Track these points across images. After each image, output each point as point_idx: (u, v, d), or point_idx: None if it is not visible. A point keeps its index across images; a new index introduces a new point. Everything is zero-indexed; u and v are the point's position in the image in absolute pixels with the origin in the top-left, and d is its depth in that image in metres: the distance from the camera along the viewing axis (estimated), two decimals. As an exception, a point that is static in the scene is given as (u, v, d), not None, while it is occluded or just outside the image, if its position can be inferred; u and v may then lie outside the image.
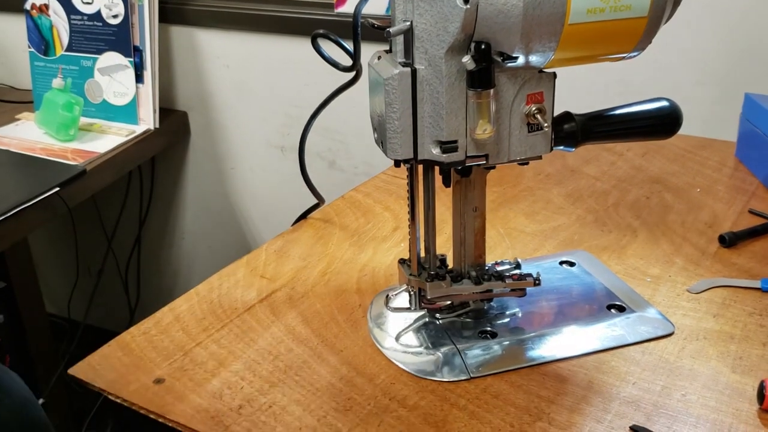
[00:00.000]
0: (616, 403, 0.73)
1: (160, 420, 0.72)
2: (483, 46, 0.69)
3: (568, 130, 0.79)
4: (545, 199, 1.14)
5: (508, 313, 0.87)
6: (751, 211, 1.08)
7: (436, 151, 0.74)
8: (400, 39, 0.73)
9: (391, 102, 0.73)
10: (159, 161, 2.17)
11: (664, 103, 0.82)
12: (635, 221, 1.06)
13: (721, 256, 0.97)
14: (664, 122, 0.82)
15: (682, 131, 1.33)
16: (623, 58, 0.76)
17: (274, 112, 1.96)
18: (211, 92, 2.02)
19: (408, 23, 0.71)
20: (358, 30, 0.89)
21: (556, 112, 0.80)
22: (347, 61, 0.91)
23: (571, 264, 0.96)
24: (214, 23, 1.93)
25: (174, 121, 2.06)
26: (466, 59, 0.70)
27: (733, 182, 1.17)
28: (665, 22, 0.75)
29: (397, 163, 0.78)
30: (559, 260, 0.97)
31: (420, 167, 0.80)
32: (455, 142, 0.74)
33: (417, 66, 0.72)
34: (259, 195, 2.09)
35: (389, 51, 0.77)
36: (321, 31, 0.93)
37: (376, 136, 0.79)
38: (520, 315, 0.86)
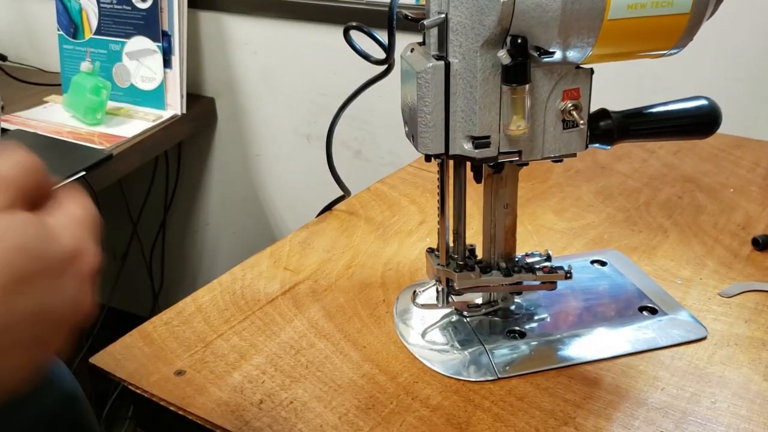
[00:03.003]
0: (644, 409, 0.71)
1: (180, 413, 0.71)
2: (519, 41, 0.68)
3: (604, 127, 0.77)
4: (575, 196, 1.12)
5: (537, 312, 0.85)
6: (786, 214, 1.05)
7: (468, 147, 0.72)
8: (434, 31, 0.72)
9: (423, 95, 0.71)
10: (185, 147, 2.17)
11: (703, 102, 0.80)
12: (666, 221, 1.04)
13: (754, 260, 0.95)
14: (702, 122, 0.80)
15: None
16: (663, 55, 0.74)
17: (302, 99, 1.95)
18: (238, 78, 2.01)
19: (443, 16, 0.70)
20: (393, 23, 0.87)
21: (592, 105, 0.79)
22: (379, 52, 0.89)
23: (603, 263, 0.94)
24: (242, 9, 1.92)
25: (201, 107, 2.06)
26: (502, 53, 0.68)
27: (767, 183, 1.14)
28: (708, 19, 0.73)
29: (427, 158, 0.76)
30: (591, 259, 0.95)
31: (451, 162, 0.79)
32: (488, 137, 0.72)
33: (451, 59, 0.70)
34: (284, 183, 2.08)
35: (422, 43, 0.75)
36: (354, 24, 0.92)
37: (406, 129, 0.77)
38: (549, 315, 0.85)
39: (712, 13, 0.73)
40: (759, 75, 1.36)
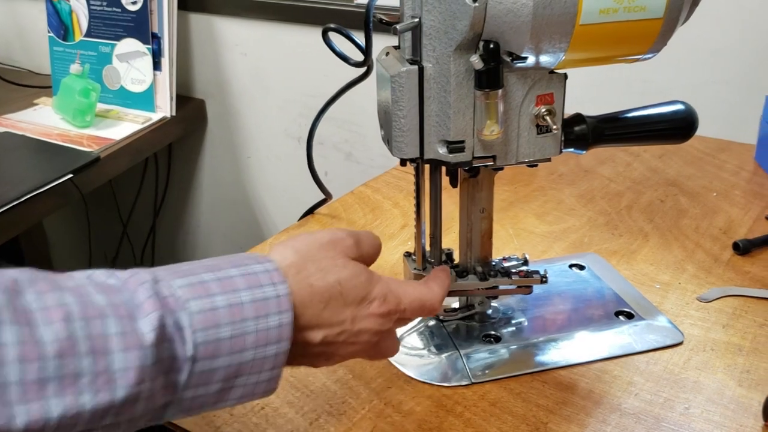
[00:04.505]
0: (617, 414, 0.71)
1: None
2: (492, 46, 0.68)
3: (578, 132, 0.77)
4: (557, 199, 1.12)
5: (513, 316, 0.85)
6: (768, 218, 1.05)
7: (442, 151, 0.72)
8: (408, 35, 0.72)
9: (397, 100, 0.71)
10: (176, 149, 2.17)
11: (680, 107, 0.80)
12: (647, 225, 1.04)
13: (734, 264, 0.95)
14: (678, 126, 0.80)
15: (700, 132, 1.30)
16: (638, 59, 0.74)
17: (292, 101, 1.95)
18: (228, 80, 2.01)
19: (416, 20, 0.69)
20: (370, 25, 0.87)
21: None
22: (362, 55, 0.89)
23: (581, 267, 0.94)
24: (232, 11, 1.92)
25: (191, 109, 2.06)
26: (474, 58, 0.68)
27: (751, 187, 1.14)
28: (682, 24, 0.73)
29: (403, 162, 0.76)
30: (569, 263, 0.95)
31: (427, 166, 0.79)
32: (462, 142, 0.72)
33: (424, 64, 0.70)
34: (275, 185, 2.08)
35: (398, 47, 0.75)
36: (332, 26, 0.91)
37: (382, 133, 0.77)
38: (525, 319, 0.85)
39: (688, 17, 0.73)
40: (746, 78, 1.36)
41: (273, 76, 1.95)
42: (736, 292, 0.89)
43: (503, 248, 0.99)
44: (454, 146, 0.72)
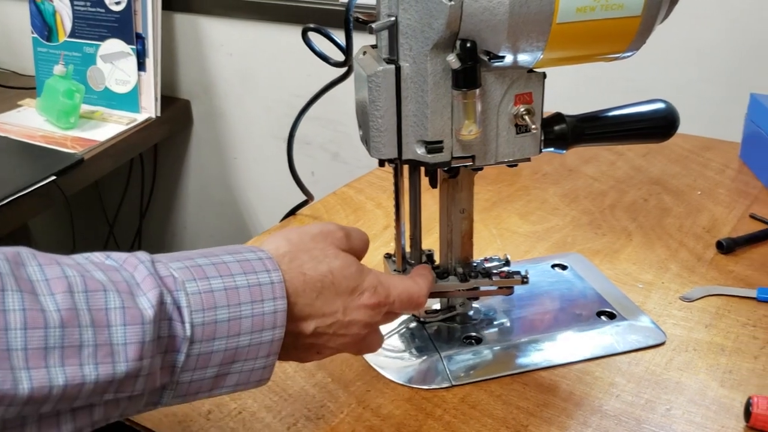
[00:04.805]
0: (597, 416, 0.70)
1: (127, 423, 0.70)
2: (469, 45, 0.67)
3: (558, 131, 0.76)
4: (541, 199, 1.11)
5: (495, 318, 0.84)
6: (752, 216, 1.05)
7: (420, 151, 0.72)
8: (384, 35, 0.71)
9: (374, 99, 0.70)
10: (161, 150, 2.16)
11: (660, 105, 0.79)
12: (631, 224, 1.03)
13: (717, 263, 0.94)
14: (659, 125, 0.79)
15: (686, 131, 1.30)
16: (617, 58, 0.73)
17: (278, 102, 1.94)
18: (214, 81, 2.00)
19: (392, 19, 0.69)
20: (350, 25, 0.87)
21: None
22: (343, 55, 0.88)
23: (564, 267, 0.93)
24: (217, 11, 1.91)
25: (176, 110, 2.04)
26: (451, 58, 0.67)
27: (735, 185, 1.14)
28: (661, 22, 0.72)
29: (381, 163, 0.75)
30: (552, 263, 0.94)
31: (406, 167, 0.78)
32: (440, 142, 0.71)
33: (401, 63, 0.69)
34: (261, 186, 2.07)
35: (375, 46, 0.74)
36: (312, 26, 0.91)
37: (361, 133, 0.77)
38: (507, 320, 0.84)
39: (666, 15, 0.72)
40: (731, 76, 1.35)
41: (259, 76, 1.93)
42: (719, 292, 0.88)
43: (486, 248, 0.99)
44: (433, 146, 0.71)
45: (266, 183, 2.06)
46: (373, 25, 0.69)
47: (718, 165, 1.21)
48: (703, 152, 1.25)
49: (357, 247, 0.67)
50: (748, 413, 0.69)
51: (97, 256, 0.53)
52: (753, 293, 0.87)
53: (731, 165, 1.21)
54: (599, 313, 0.84)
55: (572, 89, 1.46)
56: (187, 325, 0.52)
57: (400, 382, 0.76)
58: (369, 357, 0.79)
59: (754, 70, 1.33)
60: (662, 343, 0.80)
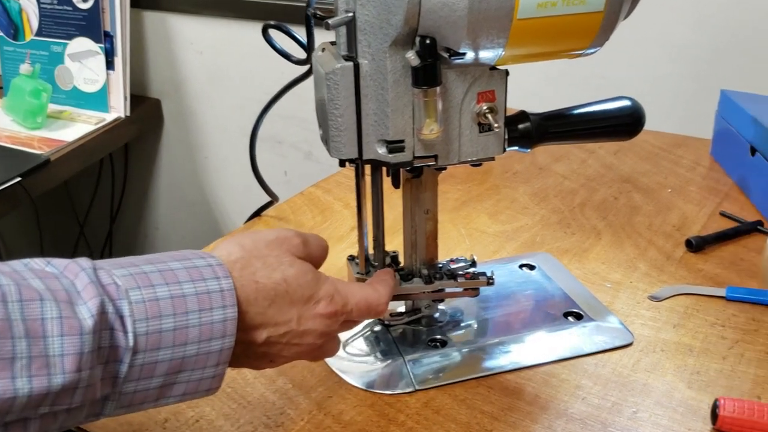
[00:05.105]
0: (563, 420, 0.69)
1: (78, 433, 0.68)
2: (428, 41, 0.65)
3: (522, 130, 0.75)
4: (510, 198, 1.10)
5: (461, 320, 0.83)
6: (722, 214, 1.04)
7: (382, 151, 0.70)
8: (343, 31, 0.69)
9: (333, 98, 0.69)
10: (132, 150, 2.13)
11: (626, 103, 0.78)
12: (600, 223, 1.02)
13: (687, 262, 0.93)
14: (624, 123, 0.77)
15: (658, 128, 1.30)
16: (581, 54, 0.72)
17: (250, 100, 1.91)
18: (184, 79, 1.97)
19: (350, 14, 0.67)
20: (311, 21, 0.85)
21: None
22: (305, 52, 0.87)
23: (532, 267, 0.92)
24: (186, 8, 1.88)
25: (146, 109, 2.01)
26: (410, 55, 0.65)
27: (706, 183, 1.13)
28: (625, 17, 0.71)
29: (342, 163, 0.74)
30: (519, 263, 0.93)
31: (368, 167, 0.76)
32: (402, 141, 0.70)
33: (360, 60, 0.67)
34: (233, 186, 2.05)
35: (334, 43, 0.73)
36: (272, 22, 0.89)
37: (321, 132, 0.75)
38: (474, 322, 0.83)
39: (630, 11, 0.71)
40: (702, 73, 1.35)
41: (230, 74, 1.91)
42: (688, 291, 0.87)
43: (454, 249, 0.97)
44: (394, 146, 0.70)
45: (238, 182, 2.03)
46: (330, 21, 0.67)
47: (689, 162, 1.20)
48: (675, 149, 1.24)
49: (315, 254, 0.66)
50: (714, 416, 0.67)
51: (38, 263, 0.51)
52: (722, 292, 0.86)
53: (702, 162, 1.20)
54: (566, 314, 0.83)
55: (543, 87, 1.45)
56: (130, 335, 0.50)
57: (363, 388, 0.74)
58: (332, 362, 0.77)
59: (726, 66, 1.32)
60: (630, 344, 0.79)
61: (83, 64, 1.89)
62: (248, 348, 0.58)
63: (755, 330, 0.81)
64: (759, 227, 0.99)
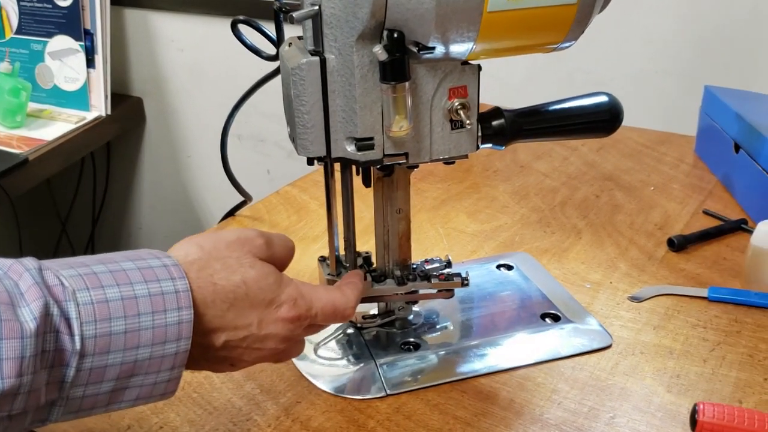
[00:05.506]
0: (538, 426, 0.67)
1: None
2: (396, 35, 0.63)
3: (496, 127, 0.73)
4: (490, 196, 1.07)
5: (435, 322, 0.81)
6: (705, 212, 1.02)
7: (350, 149, 0.68)
8: (309, 25, 0.67)
9: (299, 94, 0.66)
10: (114, 149, 2.10)
11: (603, 99, 0.75)
12: (581, 222, 1.00)
13: (668, 261, 0.91)
14: (601, 119, 0.75)
15: (641, 125, 1.28)
16: (555, 49, 0.70)
17: (232, 98, 1.87)
18: (166, 77, 1.95)
19: (315, 8, 0.65)
20: (280, 16, 0.83)
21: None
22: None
23: (510, 267, 0.90)
24: (167, 5, 1.86)
25: (128, 108, 1.99)
26: (378, 49, 0.63)
27: (689, 180, 1.11)
28: (600, 11, 0.69)
29: (310, 161, 0.71)
30: (497, 263, 0.91)
31: (337, 166, 0.74)
32: (371, 139, 0.67)
33: (327, 55, 0.65)
34: (216, 185, 2.02)
35: (302, 38, 0.70)
36: (241, 17, 0.87)
37: (289, 130, 0.73)
38: (449, 324, 0.80)
39: (605, 4, 0.69)
40: (686, 69, 1.33)
41: (211, 72, 1.89)
42: (670, 291, 0.85)
43: (431, 249, 0.95)
44: (363, 143, 0.67)
45: (222, 181, 1.98)
46: (294, 15, 0.65)
47: (673, 159, 1.18)
48: (658, 146, 1.22)
49: (280, 255, 0.63)
50: (693, 421, 0.65)
51: None
52: (704, 293, 0.84)
53: (686, 159, 1.18)
54: (544, 316, 0.81)
55: (527, 85, 1.43)
56: (77, 338, 0.48)
57: (333, 393, 0.72)
58: (302, 366, 0.75)
59: (710, 62, 1.31)
60: (608, 346, 0.77)
61: (64, 62, 1.86)
62: (206, 351, 0.56)
63: (737, 332, 0.79)
64: (743, 226, 0.97)
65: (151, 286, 0.52)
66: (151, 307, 0.51)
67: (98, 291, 0.50)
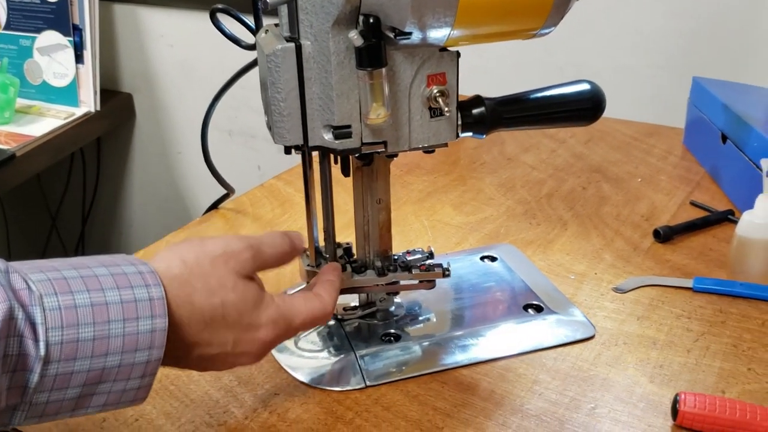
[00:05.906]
0: (518, 416, 0.66)
1: (6, 434, 0.65)
2: (371, 20, 0.62)
3: (476, 115, 0.72)
4: (477, 188, 1.06)
5: (417, 313, 0.80)
6: (692, 203, 1.01)
7: (328, 137, 0.67)
8: (284, 11, 0.66)
9: (275, 81, 0.65)
10: (104, 145, 2.09)
11: (585, 87, 0.75)
12: (567, 213, 0.99)
13: (654, 252, 0.90)
14: (584, 107, 0.74)
15: (630, 116, 1.27)
16: (535, 35, 0.69)
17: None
18: (155, 73, 1.94)
19: (291, -7, 0.64)
20: (257, 4, 0.82)
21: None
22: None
23: (493, 259, 0.89)
24: (156, 1, 1.84)
25: (118, 103, 1.98)
26: (353, 34, 0.62)
27: (677, 172, 1.10)
28: (580, -3, 0.68)
29: (287, 150, 0.70)
30: (481, 255, 0.90)
31: (316, 154, 0.73)
32: (348, 127, 0.66)
33: (302, 41, 0.64)
34: (207, 181, 2.00)
35: (278, 25, 0.69)
36: (220, 6, 0.86)
37: (266, 119, 0.72)
38: (429, 315, 0.80)
39: (585, -11, 0.68)
40: (675, 61, 1.32)
41: (201, 67, 1.87)
42: (655, 282, 0.84)
43: (416, 241, 0.94)
44: (340, 132, 0.66)
45: (212, 177, 1.99)
46: (269, 1, 0.64)
47: (661, 151, 1.17)
48: (647, 138, 1.21)
49: (271, 259, 0.63)
50: (675, 411, 0.65)
51: None
52: (689, 283, 0.83)
53: (674, 151, 1.17)
54: (527, 307, 0.80)
55: (515, 75, 1.42)
56: (42, 344, 0.47)
57: (312, 384, 0.71)
58: (281, 358, 0.74)
59: (699, 54, 1.30)
60: (591, 337, 0.76)
61: (52, 58, 1.85)
62: (178, 361, 0.56)
63: (722, 322, 0.78)
64: (729, 216, 0.96)
65: (124, 293, 0.51)
66: (122, 314, 0.50)
67: (67, 296, 0.48)
